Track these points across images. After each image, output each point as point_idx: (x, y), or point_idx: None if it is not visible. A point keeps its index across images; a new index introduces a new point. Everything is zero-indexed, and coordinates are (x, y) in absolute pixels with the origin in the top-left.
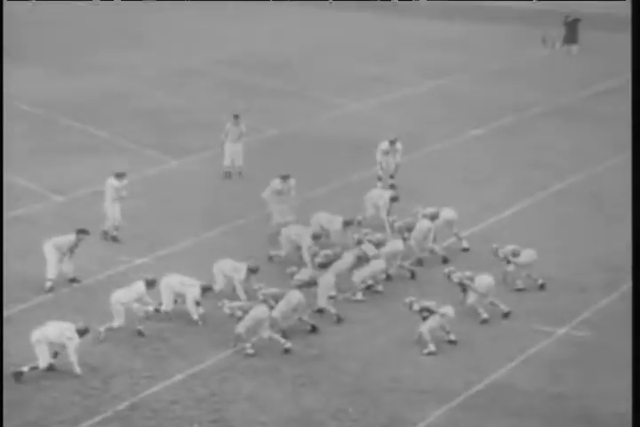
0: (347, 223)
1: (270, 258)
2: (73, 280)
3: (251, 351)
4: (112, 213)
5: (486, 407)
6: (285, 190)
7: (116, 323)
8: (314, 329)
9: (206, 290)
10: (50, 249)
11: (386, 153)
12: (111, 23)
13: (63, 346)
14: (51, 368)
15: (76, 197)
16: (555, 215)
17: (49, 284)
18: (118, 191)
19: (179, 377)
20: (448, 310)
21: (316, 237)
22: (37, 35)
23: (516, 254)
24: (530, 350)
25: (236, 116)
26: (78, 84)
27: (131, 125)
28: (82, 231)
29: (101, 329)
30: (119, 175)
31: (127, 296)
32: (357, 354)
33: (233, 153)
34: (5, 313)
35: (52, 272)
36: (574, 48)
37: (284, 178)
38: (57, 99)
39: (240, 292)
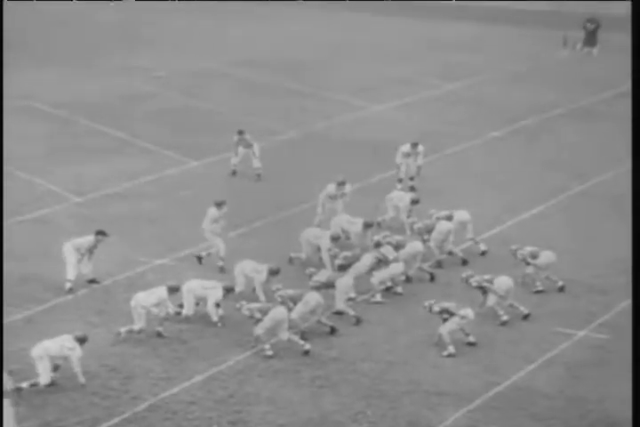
0: (367, 225)
1: (290, 260)
2: (92, 281)
3: (270, 353)
4: (215, 242)
5: (506, 410)
6: (339, 195)
7: (137, 326)
8: (333, 331)
9: (229, 291)
10: (69, 250)
11: (407, 155)
12: (131, 24)
13: (65, 358)
14: (52, 384)
15: (96, 198)
16: (575, 217)
17: (68, 285)
18: (218, 220)
19: (198, 378)
20: (468, 311)
21: (334, 238)
22: (57, 36)
23: (534, 256)
24: (550, 352)
25: (241, 132)
26: (98, 86)
27: (150, 127)
28: (101, 233)
29: (122, 330)
30: (219, 204)
31: (148, 300)
32: (376, 356)
33: (245, 155)
34: (25, 314)
35: (71, 273)
36: (595, 50)
37: (340, 184)
38: (77, 100)
39: (260, 293)
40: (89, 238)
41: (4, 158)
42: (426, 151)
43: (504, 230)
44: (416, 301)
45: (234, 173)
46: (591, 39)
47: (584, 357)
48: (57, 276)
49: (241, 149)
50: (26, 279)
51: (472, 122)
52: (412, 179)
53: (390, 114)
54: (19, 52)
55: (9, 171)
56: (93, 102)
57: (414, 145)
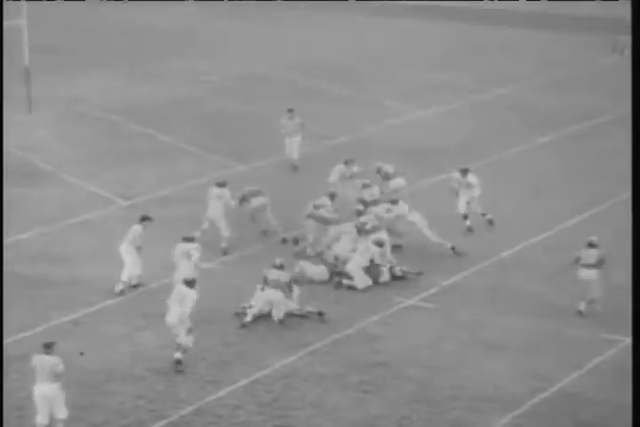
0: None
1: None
2: (137, 286)
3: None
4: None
5: (552, 416)
6: (347, 175)
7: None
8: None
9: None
10: (128, 250)
11: (460, 185)
12: (182, 29)
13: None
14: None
15: (144, 201)
16: (622, 223)
17: (120, 286)
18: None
19: (243, 382)
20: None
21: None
22: (108, 40)
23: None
24: (597, 358)
25: (290, 110)
26: (147, 90)
27: (199, 131)
28: (146, 218)
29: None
30: (221, 184)
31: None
32: (421, 361)
33: (291, 145)
34: (72, 316)
35: (127, 274)
36: None
37: (347, 162)
38: (125, 104)
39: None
40: (136, 228)
41: (53, 162)
42: (472, 157)
43: (550, 237)
44: (461, 306)
45: (295, 168)
46: None
47: (631, 364)
48: (104, 279)
49: (287, 141)
50: (73, 282)
51: (519, 128)
52: (484, 215)
53: (436, 119)
54: (69, 55)
55: (58, 175)
56: (142, 106)
57: (464, 172)
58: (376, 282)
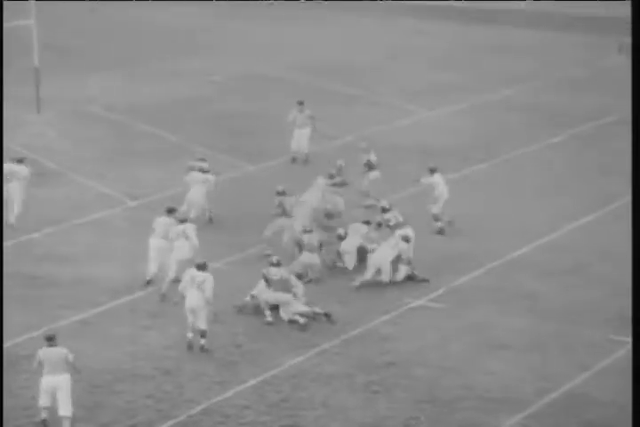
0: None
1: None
2: (148, 282)
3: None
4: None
5: (560, 417)
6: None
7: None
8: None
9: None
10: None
11: (431, 185)
12: (188, 29)
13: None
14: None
15: (151, 201)
16: (630, 224)
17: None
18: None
19: (251, 383)
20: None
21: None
22: (114, 40)
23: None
24: (604, 359)
25: (301, 103)
26: (154, 90)
27: (205, 131)
28: (173, 209)
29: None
30: (204, 171)
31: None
32: (430, 361)
33: (299, 137)
34: (81, 316)
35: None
36: None
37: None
38: (132, 104)
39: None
40: (167, 220)
41: (61, 162)
42: (480, 158)
43: (559, 237)
44: (469, 307)
45: (293, 160)
46: None
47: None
48: (111, 279)
49: (296, 131)
50: (80, 282)
51: (526, 128)
52: (450, 224)
53: (444, 119)
54: (77, 56)
55: (66, 174)
56: (149, 106)
57: (432, 171)
58: (391, 280)
